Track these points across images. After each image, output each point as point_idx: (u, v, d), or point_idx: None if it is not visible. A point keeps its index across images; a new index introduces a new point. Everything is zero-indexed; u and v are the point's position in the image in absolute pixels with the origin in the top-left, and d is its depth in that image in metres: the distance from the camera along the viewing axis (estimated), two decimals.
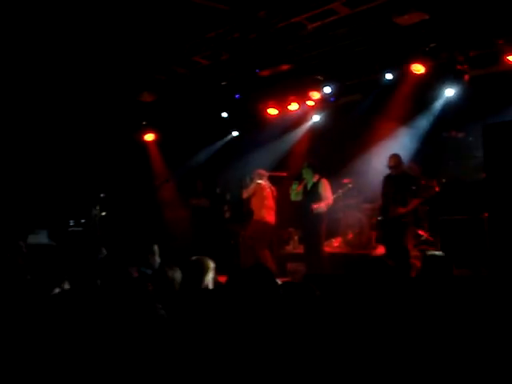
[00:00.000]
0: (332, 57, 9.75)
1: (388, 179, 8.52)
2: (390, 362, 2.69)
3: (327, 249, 10.19)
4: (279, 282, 3.58)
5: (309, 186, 9.11)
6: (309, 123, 11.77)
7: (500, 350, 2.67)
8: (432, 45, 8.85)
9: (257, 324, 3.02)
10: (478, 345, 2.77)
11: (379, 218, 8.81)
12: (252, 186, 9.83)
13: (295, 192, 9.18)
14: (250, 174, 10.14)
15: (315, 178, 9.10)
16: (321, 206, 8.94)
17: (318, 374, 2.73)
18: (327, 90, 10.43)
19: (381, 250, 9.15)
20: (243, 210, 10.66)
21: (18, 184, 10.92)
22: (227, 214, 11.63)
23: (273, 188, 9.96)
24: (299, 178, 9.25)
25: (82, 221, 11.17)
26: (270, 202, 9.80)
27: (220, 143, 12.76)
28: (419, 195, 8.33)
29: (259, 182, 9.82)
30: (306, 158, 10.16)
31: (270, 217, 9.75)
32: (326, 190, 9.09)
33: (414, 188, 8.21)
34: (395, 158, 8.43)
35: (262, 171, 10.05)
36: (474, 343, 2.78)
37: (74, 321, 3.69)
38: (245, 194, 9.90)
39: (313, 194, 9.03)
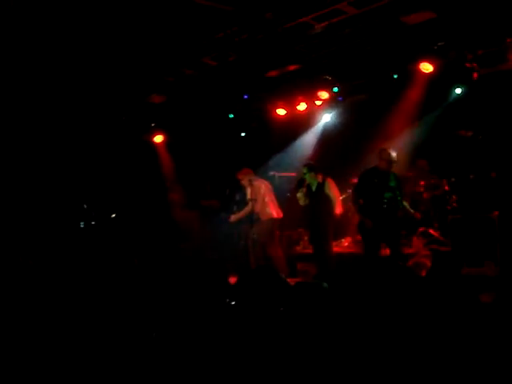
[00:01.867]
0: (340, 56, 9.74)
1: (377, 173, 8.09)
2: (397, 360, 2.70)
3: (337, 249, 10.19)
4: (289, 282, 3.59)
5: (313, 187, 9.04)
6: (318, 123, 11.77)
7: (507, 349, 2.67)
8: (440, 43, 8.83)
9: (265, 323, 3.03)
10: (486, 343, 2.77)
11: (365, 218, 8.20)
12: (249, 192, 9.70)
13: (303, 198, 9.10)
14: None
15: (319, 179, 9.03)
16: (340, 209, 8.94)
17: (327, 373, 2.74)
18: (335, 89, 10.43)
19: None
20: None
21: (28, 186, 10.99)
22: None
23: (265, 182, 9.88)
24: (301, 184, 9.13)
25: (93, 223, 11.21)
26: (271, 196, 9.72)
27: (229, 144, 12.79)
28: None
29: (252, 183, 9.69)
30: (310, 159, 10.15)
31: (274, 211, 9.67)
32: (333, 189, 9.05)
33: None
34: (389, 152, 8.04)
35: (247, 170, 9.90)
36: (483, 341, 2.78)
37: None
38: (250, 204, 9.70)
39: (320, 195, 8.98)
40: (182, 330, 3.57)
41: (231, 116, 12.12)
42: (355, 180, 10.67)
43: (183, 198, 12.10)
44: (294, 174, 10.66)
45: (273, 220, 9.60)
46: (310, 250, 10.24)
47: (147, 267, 8.89)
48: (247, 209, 9.71)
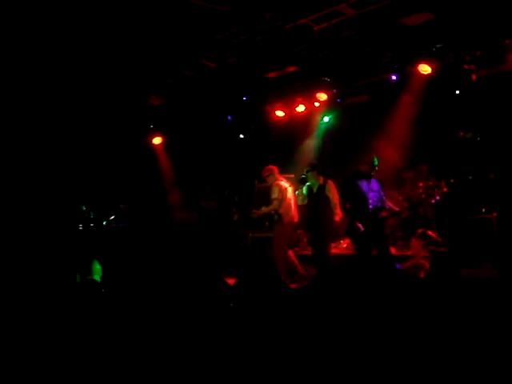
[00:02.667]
0: (339, 58, 9.75)
1: (360, 176, 8.18)
2: (394, 359, 2.70)
3: (335, 250, 10.18)
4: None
5: (314, 188, 9.03)
6: (316, 124, 11.78)
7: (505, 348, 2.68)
8: (439, 45, 8.84)
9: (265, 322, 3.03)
10: (484, 344, 2.77)
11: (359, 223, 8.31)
12: (276, 190, 9.27)
13: (302, 197, 9.10)
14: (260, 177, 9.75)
15: (320, 180, 9.01)
16: (339, 213, 8.87)
17: (323, 372, 2.74)
18: (334, 91, 10.44)
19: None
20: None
21: (27, 187, 10.97)
22: (236, 217, 11.62)
23: (286, 182, 9.67)
24: (303, 182, 9.13)
25: (91, 225, 11.20)
26: (294, 199, 9.45)
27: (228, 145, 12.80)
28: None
29: (279, 182, 9.35)
30: (313, 159, 10.14)
31: (296, 215, 9.39)
32: (334, 192, 9.02)
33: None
34: (373, 156, 8.23)
35: (273, 167, 9.51)
36: (481, 342, 2.78)
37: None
38: (275, 203, 9.20)
39: (320, 197, 8.96)
40: (181, 330, 3.57)
41: (230, 118, 12.13)
42: None
43: (182, 200, 12.10)
44: (292, 176, 10.64)
45: (293, 224, 9.38)
46: (309, 252, 10.22)
47: (146, 268, 8.89)
48: (272, 207, 9.27)
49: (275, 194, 9.26)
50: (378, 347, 2.85)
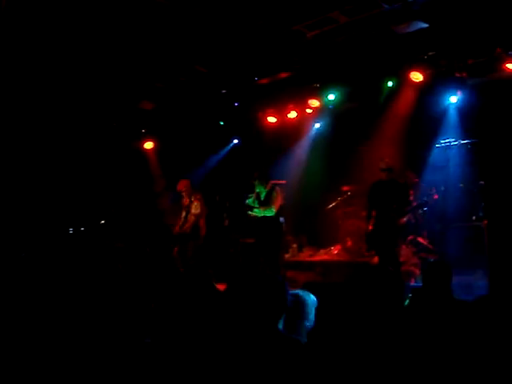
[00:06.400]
0: (331, 65, 9.77)
1: (379, 185, 8.42)
2: (389, 369, 2.69)
3: (326, 256, 10.19)
4: None
5: (262, 196, 8.90)
6: (308, 131, 11.79)
7: (500, 358, 2.67)
8: (431, 53, 8.89)
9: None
10: (478, 353, 2.76)
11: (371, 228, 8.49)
12: (195, 206, 9.79)
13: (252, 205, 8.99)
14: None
15: (268, 187, 8.94)
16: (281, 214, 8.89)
17: (317, 379, 2.73)
18: (326, 97, 10.46)
19: None
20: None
21: (17, 190, 10.91)
22: (226, 222, 11.58)
23: None
24: (252, 191, 9.05)
25: (82, 228, 11.15)
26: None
27: (220, 151, 12.79)
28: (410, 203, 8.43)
29: (197, 197, 9.80)
30: (303, 164, 10.15)
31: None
32: (276, 196, 8.89)
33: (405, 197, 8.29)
34: (388, 161, 8.42)
35: (187, 181, 10.07)
36: (474, 351, 2.78)
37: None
38: (193, 219, 9.81)
39: (267, 203, 8.86)
40: (169, 335, 3.55)
41: (222, 123, 12.13)
42: (346, 188, 10.72)
43: (173, 204, 12.06)
44: (284, 182, 10.64)
45: (204, 236, 9.83)
46: (298, 258, 10.23)
47: (136, 273, 8.85)
48: (193, 222, 9.78)
49: (198, 210, 9.77)
50: (370, 355, 2.83)
